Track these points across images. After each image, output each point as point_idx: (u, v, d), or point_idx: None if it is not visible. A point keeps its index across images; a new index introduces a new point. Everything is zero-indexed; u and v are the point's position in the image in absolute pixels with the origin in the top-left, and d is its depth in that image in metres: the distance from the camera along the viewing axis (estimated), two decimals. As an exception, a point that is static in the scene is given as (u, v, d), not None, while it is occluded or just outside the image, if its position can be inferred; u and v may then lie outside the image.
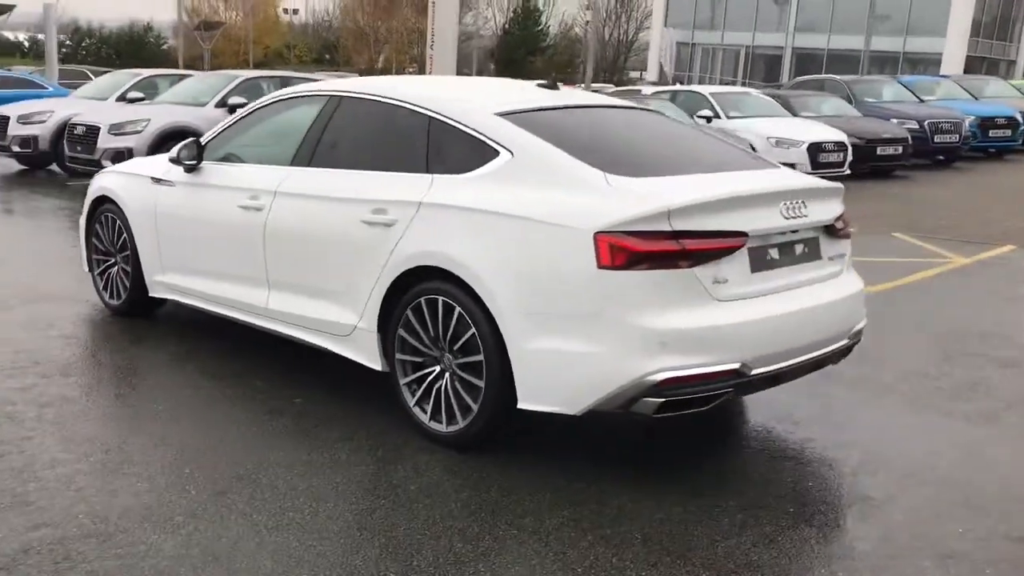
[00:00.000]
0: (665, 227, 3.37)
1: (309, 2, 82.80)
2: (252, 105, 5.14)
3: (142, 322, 5.66)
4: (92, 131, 11.72)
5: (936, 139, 16.87)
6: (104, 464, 3.65)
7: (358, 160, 4.35)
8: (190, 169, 5.09)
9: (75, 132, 11.99)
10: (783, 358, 3.63)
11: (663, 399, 3.37)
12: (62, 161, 12.68)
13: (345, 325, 4.22)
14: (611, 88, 26.05)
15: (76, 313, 5.83)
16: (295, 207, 4.45)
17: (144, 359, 5.09)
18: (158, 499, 3.36)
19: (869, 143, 15.13)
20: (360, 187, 4.18)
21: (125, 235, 5.55)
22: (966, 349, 5.63)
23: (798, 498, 3.56)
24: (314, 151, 4.52)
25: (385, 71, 54.31)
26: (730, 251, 3.48)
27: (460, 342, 3.75)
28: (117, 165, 6.10)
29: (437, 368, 3.90)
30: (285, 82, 12.43)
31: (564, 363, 3.47)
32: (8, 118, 13.33)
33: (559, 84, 4.59)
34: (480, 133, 3.91)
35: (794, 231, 3.77)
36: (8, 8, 37.28)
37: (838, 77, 19.92)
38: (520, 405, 3.60)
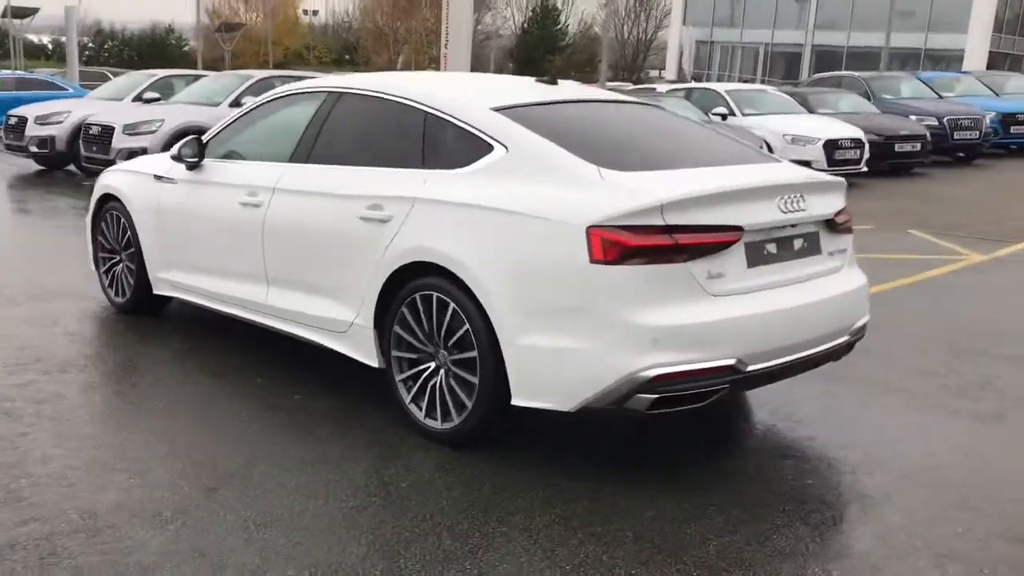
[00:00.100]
0: (658, 221, 3.32)
1: (329, 3, 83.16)
2: (253, 102, 5.14)
3: (147, 320, 5.67)
4: (107, 131, 11.80)
5: (956, 136, 16.66)
6: (97, 460, 3.65)
7: (355, 156, 4.33)
8: (192, 166, 5.09)
9: (90, 132, 12.08)
10: (781, 354, 3.57)
11: (656, 395, 3.33)
12: (79, 161, 12.78)
13: (342, 322, 4.20)
14: (629, 87, 25.99)
15: (82, 310, 5.85)
16: (293, 203, 4.44)
17: (146, 356, 5.10)
18: (148, 495, 3.35)
19: (887, 140, 14.94)
20: (356, 183, 4.17)
21: (129, 233, 5.57)
22: (977, 347, 5.53)
23: (795, 497, 3.50)
24: (312, 147, 4.51)
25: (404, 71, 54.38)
26: (725, 246, 3.43)
27: (454, 338, 3.72)
28: (122, 163, 6.12)
29: (432, 364, 3.87)
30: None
31: (557, 359, 3.44)
32: (26, 119, 13.46)
33: (558, 80, 4.55)
34: (475, 128, 3.88)
35: (792, 225, 3.72)
36: (31, 11, 37.72)
37: (856, 74, 19.73)
38: (514, 401, 3.57)
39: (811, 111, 15.64)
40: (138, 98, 13.63)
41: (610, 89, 18.80)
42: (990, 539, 3.19)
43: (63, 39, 36.79)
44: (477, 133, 3.86)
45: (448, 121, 3.98)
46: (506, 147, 3.76)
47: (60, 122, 13.19)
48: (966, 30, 40.89)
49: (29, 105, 14.25)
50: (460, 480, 3.57)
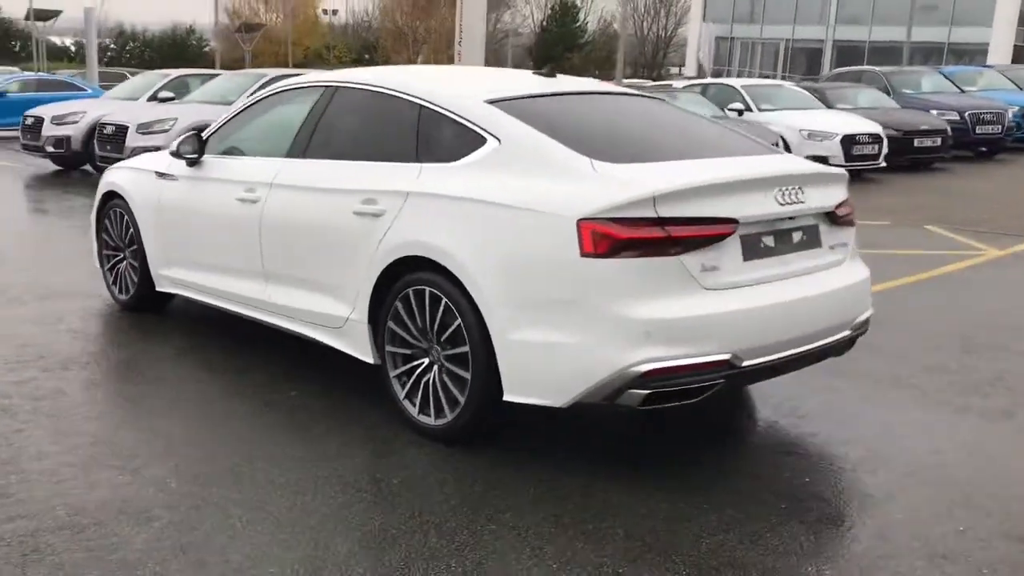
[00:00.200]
0: (650, 213, 3.26)
1: (349, 3, 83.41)
2: (252, 97, 5.12)
3: (150, 317, 5.66)
4: (121, 130, 11.85)
5: (978, 130, 16.45)
6: (91, 457, 3.64)
7: (351, 150, 4.30)
8: (192, 163, 5.08)
9: (105, 132, 12.14)
10: (778, 349, 3.50)
11: (649, 391, 3.26)
12: (94, 161, 12.85)
13: (338, 317, 4.17)
14: (648, 83, 25.86)
15: (87, 308, 5.86)
16: (289, 199, 4.41)
17: (148, 353, 5.09)
18: (137, 492, 3.33)
19: (906, 135, 14.77)
20: (351, 177, 4.13)
21: (132, 230, 5.57)
22: (991, 342, 5.43)
23: (793, 495, 3.43)
24: (309, 142, 4.48)
25: (424, 71, 54.34)
26: (719, 238, 3.37)
27: (447, 333, 3.68)
28: (126, 160, 6.13)
29: (426, 360, 3.83)
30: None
31: (548, 354, 3.38)
32: (42, 119, 13.55)
33: (556, 72, 4.49)
34: (469, 121, 3.83)
35: (791, 218, 3.64)
36: (54, 14, 38.06)
37: (876, 68, 19.53)
38: (506, 397, 3.52)
39: (829, 106, 15.49)
40: (153, 97, 13.68)
41: (625, 86, 18.72)
42: (992, 539, 3.11)
43: (85, 41, 37.11)
44: (470, 126, 3.81)
45: (442, 114, 3.93)
46: (499, 139, 3.71)
47: (76, 122, 13.26)
48: (990, 24, 40.36)
49: (45, 105, 14.35)
50: (452, 476, 3.52)
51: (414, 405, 3.87)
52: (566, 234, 3.29)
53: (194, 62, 48.22)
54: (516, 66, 51.73)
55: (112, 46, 55.74)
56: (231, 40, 44.83)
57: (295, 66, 45.09)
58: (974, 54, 39.34)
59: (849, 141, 13.51)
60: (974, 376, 4.80)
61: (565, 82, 4.45)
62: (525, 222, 3.43)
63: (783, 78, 35.90)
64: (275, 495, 3.33)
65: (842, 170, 4.03)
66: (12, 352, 4.91)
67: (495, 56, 55.80)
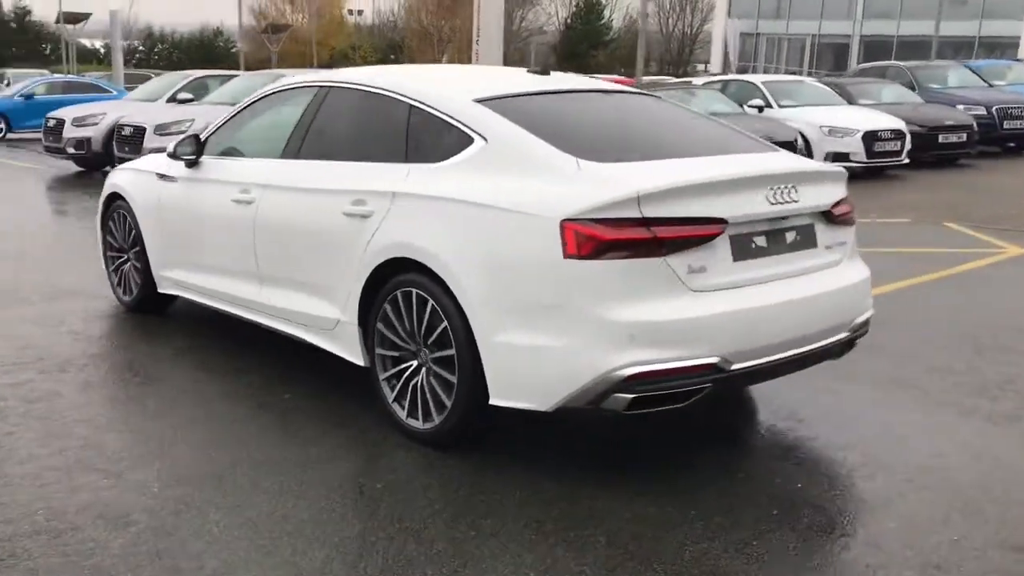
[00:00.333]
0: (635, 214, 3.19)
1: (374, 2, 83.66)
2: (249, 98, 5.10)
3: (153, 318, 5.67)
4: (139, 132, 11.95)
5: (1005, 125, 16.15)
6: (77, 460, 3.62)
7: (342, 151, 4.27)
8: (190, 164, 5.07)
9: (123, 133, 12.24)
10: (769, 352, 3.41)
11: (634, 395, 3.20)
12: (114, 162, 12.94)
13: (330, 319, 4.14)
14: (670, 80, 25.69)
15: (91, 309, 5.88)
16: (282, 200, 4.39)
17: (147, 355, 5.09)
18: (119, 496, 3.31)
19: (931, 131, 14.53)
20: (342, 178, 4.10)
21: (135, 231, 5.58)
22: (1002, 344, 5.29)
23: (786, 501, 3.34)
24: (302, 143, 4.45)
25: (448, 70, 54.42)
26: (707, 239, 3.29)
27: (434, 335, 3.63)
28: (129, 162, 6.15)
29: (415, 363, 3.79)
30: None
31: (533, 357, 3.32)
32: (64, 121, 13.68)
33: (550, 70, 4.43)
34: (456, 120, 3.78)
35: (783, 217, 3.55)
36: (83, 16, 38.51)
37: (901, 63, 19.22)
38: (492, 401, 3.46)
39: (852, 102, 15.27)
40: (172, 99, 13.77)
41: (645, 84, 18.57)
42: (987, 548, 3.01)
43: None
44: (458, 125, 3.76)
45: (430, 113, 3.88)
46: (486, 139, 3.65)
47: (96, 124, 13.39)
48: (1022, 16, 39.65)
49: (67, 107, 14.49)
50: (438, 481, 3.48)
51: (403, 408, 3.82)
52: (549, 235, 3.23)
53: (222, 63, 48.57)
54: (540, 64, 51.60)
55: (141, 48, 56.33)
56: (257, 41, 45.11)
57: (320, 67, 45.33)
58: (1005, 47, 38.63)
59: (870, 137, 13.30)
60: (980, 378, 4.67)
61: (558, 80, 4.39)
62: (509, 223, 3.37)
63: (809, 74, 35.53)
64: (257, 500, 3.30)
65: (840, 168, 3.93)
66: (12, 354, 4.93)
67: (520, 54, 55.71)
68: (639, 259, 3.18)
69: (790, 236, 3.60)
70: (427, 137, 3.88)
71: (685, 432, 4.00)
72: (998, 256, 7.83)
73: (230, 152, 5.01)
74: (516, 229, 3.34)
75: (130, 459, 3.65)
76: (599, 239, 3.17)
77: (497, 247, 3.39)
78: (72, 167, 14.37)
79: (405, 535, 3.06)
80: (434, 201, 3.63)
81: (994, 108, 16.13)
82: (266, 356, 4.89)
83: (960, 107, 15.95)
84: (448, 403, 3.60)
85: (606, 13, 60.58)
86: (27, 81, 22.44)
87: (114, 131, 12.76)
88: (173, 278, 5.34)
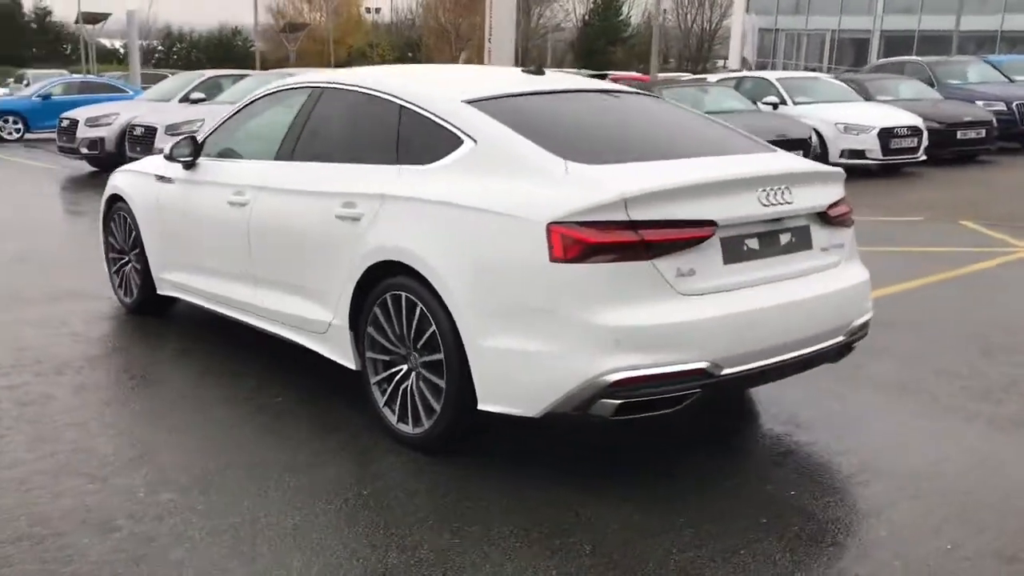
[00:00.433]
0: (622, 217, 3.13)
1: (392, 1, 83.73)
2: (246, 99, 5.08)
3: (154, 320, 5.67)
4: (150, 132, 12.00)
5: (1026, 121, 15.93)
6: (65, 465, 3.61)
7: (335, 152, 4.24)
8: (187, 165, 5.06)
9: (135, 133, 12.30)
10: (761, 356, 3.35)
11: (620, 401, 3.14)
12: (127, 162, 13.01)
13: (321, 322, 4.11)
14: (686, 76, 25.56)
15: (92, 311, 5.88)
16: (276, 202, 4.37)
17: (145, 357, 5.08)
18: (103, 502, 3.29)
19: (949, 127, 14.34)
20: (333, 180, 4.07)
21: (135, 233, 5.57)
22: (1011, 346, 5.19)
23: (777, 509, 3.28)
24: (295, 144, 4.43)
25: (466, 68, 54.43)
26: (697, 241, 3.23)
27: (423, 339, 3.60)
28: (130, 164, 6.15)
29: (405, 367, 3.75)
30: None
31: (520, 362, 3.28)
32: (77, 121, 13.76)
33: (544, 69, 4.38)
34: (446, 121, 3.74)
35: (777, 219, 3.48)
36: (103, 16, 38.79)
37: (920, 59, 19.00)
38: (480, 406, 3.42)
39: (869, 99, 15.10)
40: (185, 99, 13.82)
41: (661, 80, 18.43)
42: (980, 557, 2.94)
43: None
44: (447, 126, 3.71)
45: (420, 114, 3.84)
46: (475, 140, 3.61)
47: (109, 124, 13.46)
48: (1046, 10, 39.13)
49: (80, 108, 14.57)
50: (425, 487, 3.44)
51: (393, 413, 3.79)
52: (536, 238, 3.19)
53: (240, 63, 48.78)
54: (558, 61, 51.52)
55: (159, 48, 56.68)
56: (275, 40, 45.27)
57: (338, 65, 45.46)
58: (1028, 42, 38.18)
59: (887, 134, 13.13)
60: (985, 382, 4.58)
61: (552, 80, 4.33)
62: (496, 226, 3.32)
63: (828, 70, 35.22)
64: (242, 506, 3.27)
65: (838, 169, 3.86)
66: (10, 356, 4.93)
67: (537, 51, 55.63)
68: (626, 262, 3.13)
69: (784, 238, 3.54)
70: (417, 139, 3.84)
71: (676, 437, 3.94)
72: (1011, 255, 7.70)
73: (226, 153, 4.99)
74: (503, 232, 3.29)
75: (118, 464, 3.64)
76: (585, 242, 3.11)
77: (484, 250, 3.35)
78: (86, 167, 14.45)
79: (388, 543, 3.02)
80: (423, 204, 3.59)
81: (1014, 104, 15.92)
82: (264, 358, 4.87)
83: (979, 103, 15.74)
84: (437, 408, 3.57)
85: (624, 9, 60.41)
86: (45, 82, 22.62)
87: (127, 131, 12.81)
88: (171, 280, 5.33)
